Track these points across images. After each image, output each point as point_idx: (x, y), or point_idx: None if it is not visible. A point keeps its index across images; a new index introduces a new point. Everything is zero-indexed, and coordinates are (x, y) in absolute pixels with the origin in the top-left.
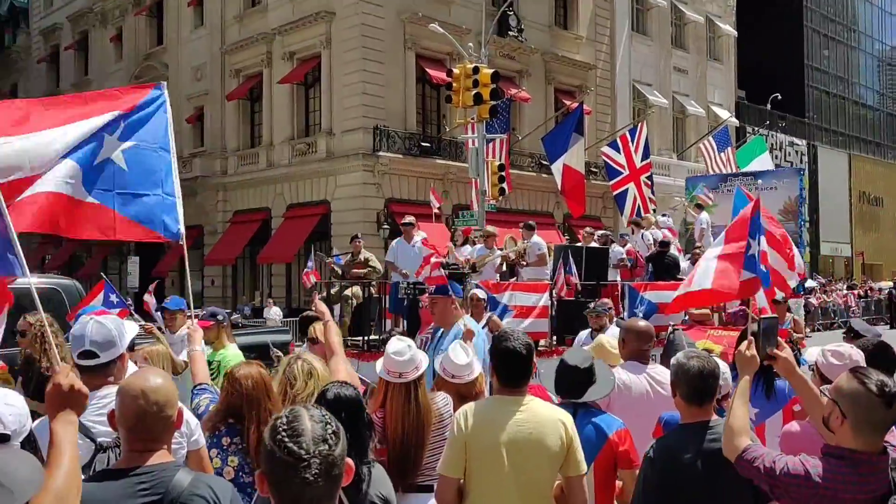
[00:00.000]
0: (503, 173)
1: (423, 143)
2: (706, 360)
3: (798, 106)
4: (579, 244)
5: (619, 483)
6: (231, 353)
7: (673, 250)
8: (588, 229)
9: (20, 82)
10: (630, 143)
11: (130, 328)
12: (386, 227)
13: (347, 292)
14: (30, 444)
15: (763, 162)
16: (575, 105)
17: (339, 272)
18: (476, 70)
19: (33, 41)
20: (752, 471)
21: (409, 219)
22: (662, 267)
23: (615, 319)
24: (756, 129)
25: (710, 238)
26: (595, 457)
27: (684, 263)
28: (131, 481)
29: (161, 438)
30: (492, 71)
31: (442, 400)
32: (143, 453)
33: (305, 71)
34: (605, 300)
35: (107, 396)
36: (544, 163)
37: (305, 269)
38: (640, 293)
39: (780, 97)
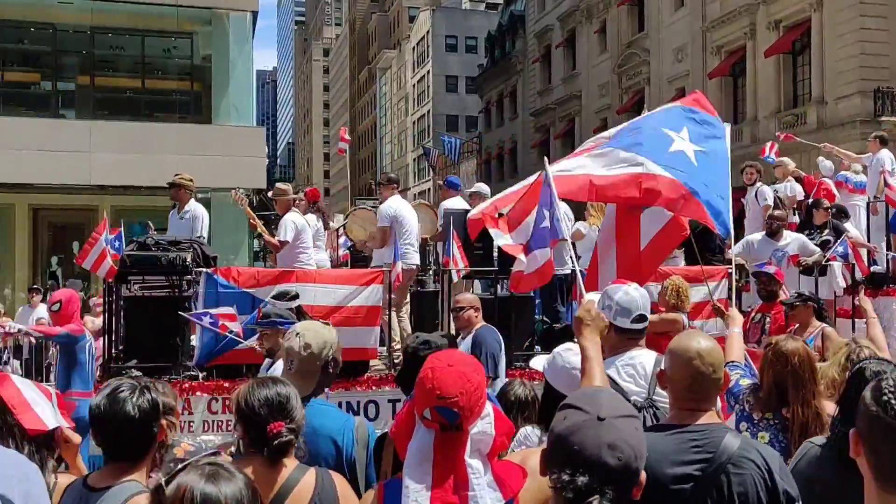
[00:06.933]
0: None
1: None
2: None
3: None
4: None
5: None
6: None
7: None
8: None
9: (518, 84)
10: None
11: None
12: None
13: None
14: None
15: None
16: None
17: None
18: None
19: (529, 44)
20: None
21: (175, 178)
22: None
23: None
24: None
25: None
26: None
27: (853, 230)
28: (684, 437)
29: (711, 399)
30: None
31: None
32: (695, 412)
33: (793, 38)
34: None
35: (634, 358)
36: None
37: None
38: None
39: None
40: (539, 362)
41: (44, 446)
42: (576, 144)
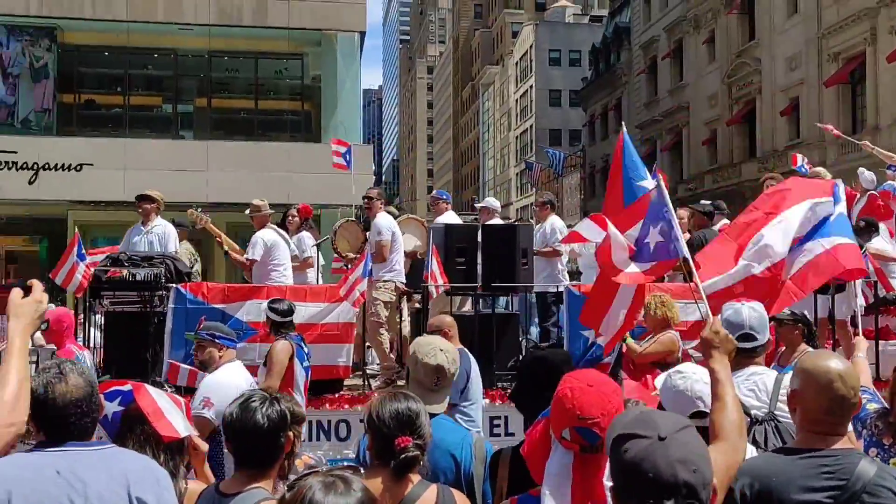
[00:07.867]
0: None
1: None
2: None
3: None
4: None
5: None
6: None
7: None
8: (548, 194)
9: (623, 96)
10: None
11: None
12: None
13: None
14: None
15: None
16: None
17: None
18: None
19: (634, 56)
20: None
21: (151, 193)
22: None
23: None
24: None
25: None
26: None
27: (882, 245)
28: (814, 462)
29: (846, 423)
30: None
31: None
32: (828, 437)
33: None
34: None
35: (755, 374)
36: None
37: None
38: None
39: None
40: (660, 381)
41: (177, 453)
42: (683, 157)
